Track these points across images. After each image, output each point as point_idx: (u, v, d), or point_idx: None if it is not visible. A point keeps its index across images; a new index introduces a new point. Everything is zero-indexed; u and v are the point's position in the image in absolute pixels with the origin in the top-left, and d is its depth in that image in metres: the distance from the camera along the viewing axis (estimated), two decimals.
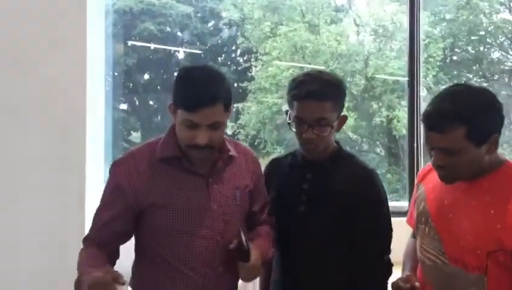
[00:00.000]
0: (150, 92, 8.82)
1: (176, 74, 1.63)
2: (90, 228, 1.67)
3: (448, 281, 1.53)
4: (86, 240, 1.66)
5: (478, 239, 1.46)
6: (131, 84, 8.71)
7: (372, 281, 1.74)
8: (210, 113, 1.51)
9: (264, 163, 1.93)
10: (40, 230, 2.69)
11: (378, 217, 1.76)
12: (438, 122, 1.46)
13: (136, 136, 2.60)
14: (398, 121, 8.01)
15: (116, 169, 1.63)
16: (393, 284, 1.55)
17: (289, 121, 1.74)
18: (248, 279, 1.65)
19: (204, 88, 1.51)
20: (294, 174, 1.83)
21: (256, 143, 8.40)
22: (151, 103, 9.11)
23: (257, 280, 1.91)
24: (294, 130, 1.74)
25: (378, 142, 9.15)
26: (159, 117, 8.45)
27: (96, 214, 1.66)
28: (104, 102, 3.11)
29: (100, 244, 1.61)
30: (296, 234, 1.78)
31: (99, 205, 1.67)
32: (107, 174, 1.67)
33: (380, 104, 8.35)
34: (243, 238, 1.55)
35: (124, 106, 8.06)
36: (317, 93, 1.66)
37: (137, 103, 8.85)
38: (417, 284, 1.50)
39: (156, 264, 1.63)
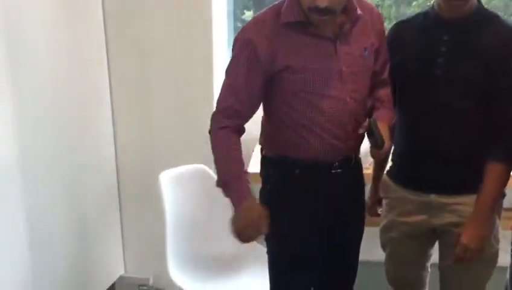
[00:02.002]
0: None
1: None
2: (221, 101, 1.68)
3: None
4: (219, 116, 1.67)
5: None
6: None
7: (508, 149, 1.68)
8: None
9: None
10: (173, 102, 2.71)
11: None
12: None
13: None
14: None
15: (246, 34, 1.61)
16: None
17: None
18: (375, 159, 1.78)
19: None
20: (428, 36, 1.72)
21: None
22: None
23: None
24: None
25: None
26: None
27: (227, 85, 1.67)
28: None
29: (235, 118, 1.65)
30: (430, 100, 1.71)
31: (229, 76, 1.66)
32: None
33: None
34: (375, 130, 1.58)
35: None
36: None
37: None
38: None
39: (285, 125, 1.67)
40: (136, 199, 2.85)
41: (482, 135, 1.70)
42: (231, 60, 1.66)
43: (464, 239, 1.69)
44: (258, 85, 1.62)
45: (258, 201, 1.66)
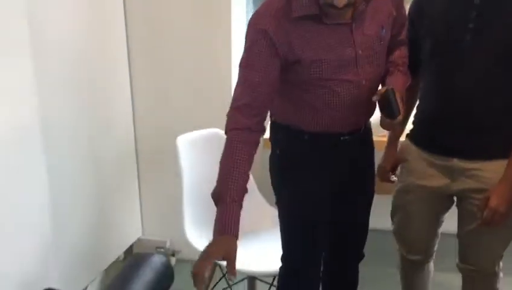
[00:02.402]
0: None
1: None
2: (237, 98, 1.57)
3: None
4: (235, 114, 1.56)
5: None
6: None
7: None
8: None
9: None
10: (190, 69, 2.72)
11: None
12: None
13: None
14: None
15: (260, 24, 1.53)
16: None
17: None
18: (387, 129, 1.71)
19: None
20: (457, 0, 1.68)
21: None
22: None
23: None
24: None
25: None
26: None
27: (243, 80, 1.57)
28: None
29: (253, 116, 1.55)
30: (462, 65, 1.67)
31: (244, 69, 1.57)
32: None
33: None
34: (393, 100, 1.54)
35: None
36: None
37: None
38: None
39: (297, 105, 1.65)
40: (154, 164, 2.90)
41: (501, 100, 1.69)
42: (246, 51, 1.58)
43: (493, 202, 1.69)
44: (274, 76, 1.56)
45: (233, 243, 1.46)
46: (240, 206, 1.50)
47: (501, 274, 1.94)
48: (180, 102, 2.77)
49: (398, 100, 1.56)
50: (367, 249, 1.96)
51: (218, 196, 1.52)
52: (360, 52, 1.58)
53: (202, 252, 1.43)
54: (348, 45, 1.57)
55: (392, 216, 2.02)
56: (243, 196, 1.52)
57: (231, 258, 1.41)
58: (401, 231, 2.01)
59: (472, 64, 1.66)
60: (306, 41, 1.54)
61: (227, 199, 1.48)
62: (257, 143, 1.57)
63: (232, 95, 1.60)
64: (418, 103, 1.85)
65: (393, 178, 2.00)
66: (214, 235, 1.48)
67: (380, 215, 2.01)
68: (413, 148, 1.88)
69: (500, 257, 1.90)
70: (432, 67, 1.77)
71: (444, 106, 1.75)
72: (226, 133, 1.58)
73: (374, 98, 1.57)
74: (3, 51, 1.77)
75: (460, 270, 1.94)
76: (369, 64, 1.61)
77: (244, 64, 1.57)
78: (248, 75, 1.56)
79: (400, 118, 1.58)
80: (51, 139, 2.10)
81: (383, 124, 1.63)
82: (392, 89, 1.56)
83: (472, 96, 1.69)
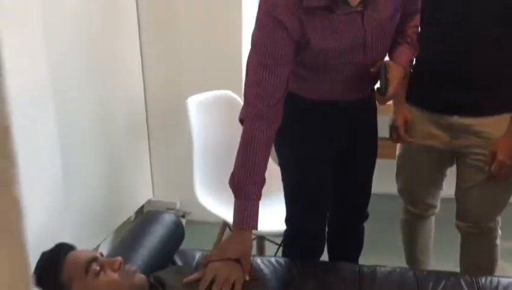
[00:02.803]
0: None
1: None
2: (252, 84, 1.51)
3: None
4: (251, 101, 1.51)
5: None
6: None
7: None
8: None
9: None
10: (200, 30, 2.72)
11: None
12: None
13: None
14: None
15: (275, 11, 1.45)
16: None
17: None
18: (378, 102, 1.70)
19: None
20: None
21: None
22: None
23: None
24: None
25: None
26: None
27: (256, 64, 1.50)
28: None
29: (269, 98, 1.49)
30: (465, 21, 1.68)
31: (258, 53, 1.50)
32: None
33: None
34: (382, 77, 1.56)
35: None
36: None
37: None
38: None
39: (302, 78, 1.63)
40: (164, 125, 2.91)
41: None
42: (258, 31, 1.51)
43: (500, 156, 1.72)
44: (289, 58, 1.51)
45: (249, 240, 1.52)
46: (259, 198, 1.52)
47: (499, 231, 1.97)
48: (191, 63, 2.76)
49: (390, 77, 1.56)
50: (370, 213, 1.97)
51: (237, 188, 1.51)
52: (369, 38, 1.56)
53: (219, 247, 1.50)
54: (359, 33, 1.54)
55: (397, 176, 2.07)
56: (262, 188, 1.53)
57: (246, 259, 1.46)
58: (405, 187, 2.06)
59: (471, 21, 1.66)
60: (316, 29, 1.51)
61: (246, 192, 1.49)
62: (275, 129, 1.54)
63: (245, 79, 1.56)
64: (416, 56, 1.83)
65: (409, 139, 1.96)
66: (233, 226, 1.52)
67: (384, 180, 2.03)
68: (413, 110, 1.89)
69: (499, 213, 1.93)
70: (434, 16, 1.75)
71: (442, 61, 1.76)
72: (240, 122, 1.56)
73: (372, 69, 1.59)
74: (14, 13, 1.76)
75: (460, 229, 1.98)
76: (377, 46, 1.59)
77: (256, 48, 1.52)
78: (261, 58, 1.49)
79: (389, 95, 1.58)
80: (62, 102, 2.11)
81: (375, 95, 1.65)
82: (385, 65, 1.57)
83: (471, 50, 1.69)
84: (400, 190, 2.09)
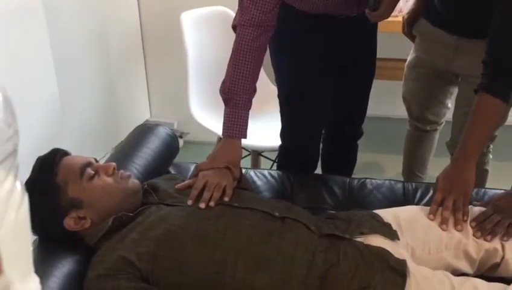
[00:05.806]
0: None
1: None
2: None
3: None
4: (245, 9, 1.48)
5: None
6: None
7: None
8: None
9: None
10: None
11: None
12: None
13: None
14: None
15: None
16: None
17: None
18: (370, 18, 1.63)
19: None
20: None
21: None
22: None
23: None
24: None
25: None
26: None
27: None
28: None
29: (266, 12, 1.47)
30: None
31: None
32: None
33: None
34: None
35: None
36: None
37: None
38: None
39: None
40: (160, 44, 2.89)
41: None
42: None
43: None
44: None
45: (237, 148, 1.53)
46: (249, 108, 1.52)
47: (490, 156, 1.99)
48: None
49: None
50: (367, 135, 1.99)
51: (227, 96, 1.51)
52: None
53: (209, 156, 1.51)
54: None
55: (403, 85, 2.06)
56: (252, 97, 1.53)
57: (235, 166, 1.48)
58: (405, 98, 2.06)
59: None
60: None
61: (236, 101, 1.50)
62: (267, 39, 1.52)
63: None
64: None
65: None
66: (222, 134, 1.53)
67: (381, 102, 2.02)
68: (422, 20, 1.86)
69: (492, 140, 1.93)
70: None
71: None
72: (234, 28, 1.53)
73: None
74: None
75: (449, 149, 1.99)
76: None
77: None
78: None
79: (379, 12, 1.54)
80: (57, 22, 2.08)
81: (366, 12, 1.60)
82: None
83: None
84: (403, 99, 2.10)
